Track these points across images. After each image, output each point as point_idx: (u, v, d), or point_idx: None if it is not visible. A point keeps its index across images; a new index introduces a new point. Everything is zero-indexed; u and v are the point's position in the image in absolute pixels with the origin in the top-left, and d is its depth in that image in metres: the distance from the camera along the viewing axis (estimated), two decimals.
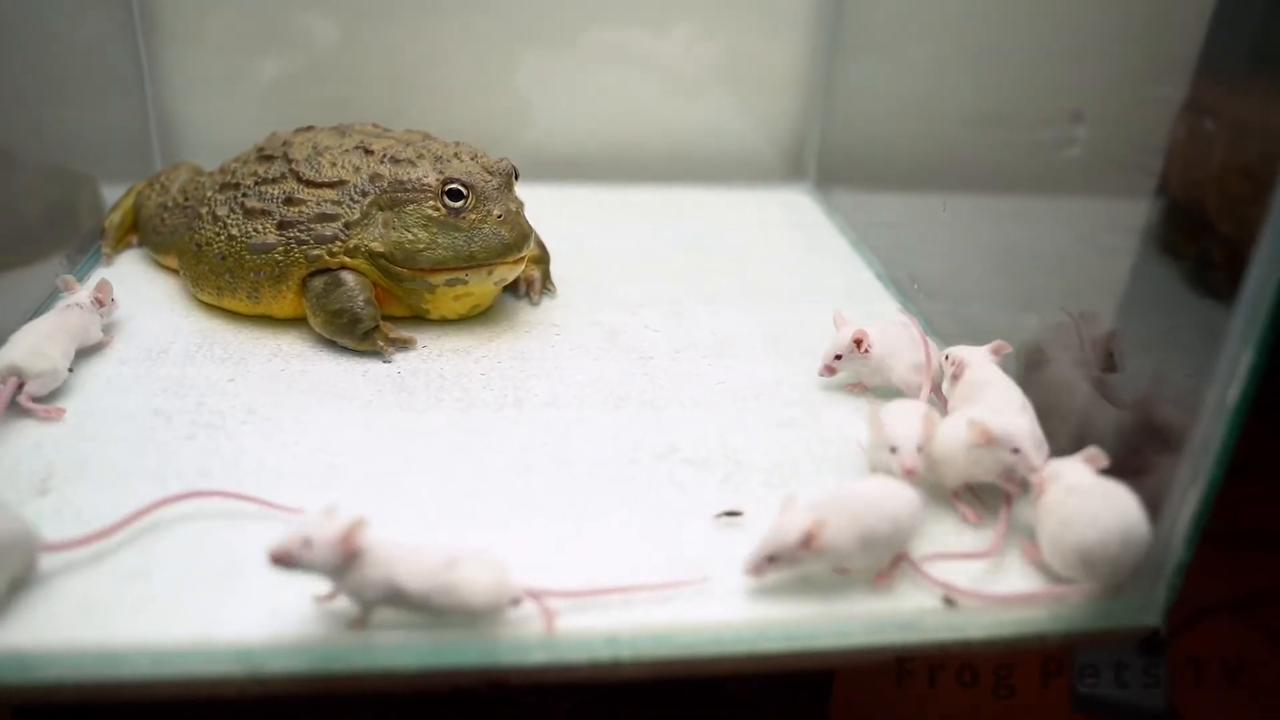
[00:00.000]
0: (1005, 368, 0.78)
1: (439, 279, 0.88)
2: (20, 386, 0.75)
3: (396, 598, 0.56)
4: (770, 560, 0.60)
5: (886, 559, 0.63)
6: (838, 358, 0.83)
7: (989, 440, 0.66)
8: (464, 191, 0.86)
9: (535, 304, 0.99)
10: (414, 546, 0.57)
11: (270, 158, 0.95)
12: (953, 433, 0.69)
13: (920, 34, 1.11)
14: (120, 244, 1.06)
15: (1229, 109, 0.69)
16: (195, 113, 1.26)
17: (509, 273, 0.91)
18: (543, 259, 1.02)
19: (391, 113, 1.16)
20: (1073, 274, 0.83)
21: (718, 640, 0.59)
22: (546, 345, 0.91)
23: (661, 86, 1.33)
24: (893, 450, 0.68)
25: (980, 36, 0.99)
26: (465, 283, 0.89)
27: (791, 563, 0.61)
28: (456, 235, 0.87)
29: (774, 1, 1.31)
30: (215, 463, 0.72)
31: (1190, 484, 0.59)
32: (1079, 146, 0.81)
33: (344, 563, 0.55)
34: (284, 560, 0.55)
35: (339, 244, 0.88)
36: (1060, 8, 0.86)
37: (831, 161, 1.34)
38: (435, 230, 0.87)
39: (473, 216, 0.87)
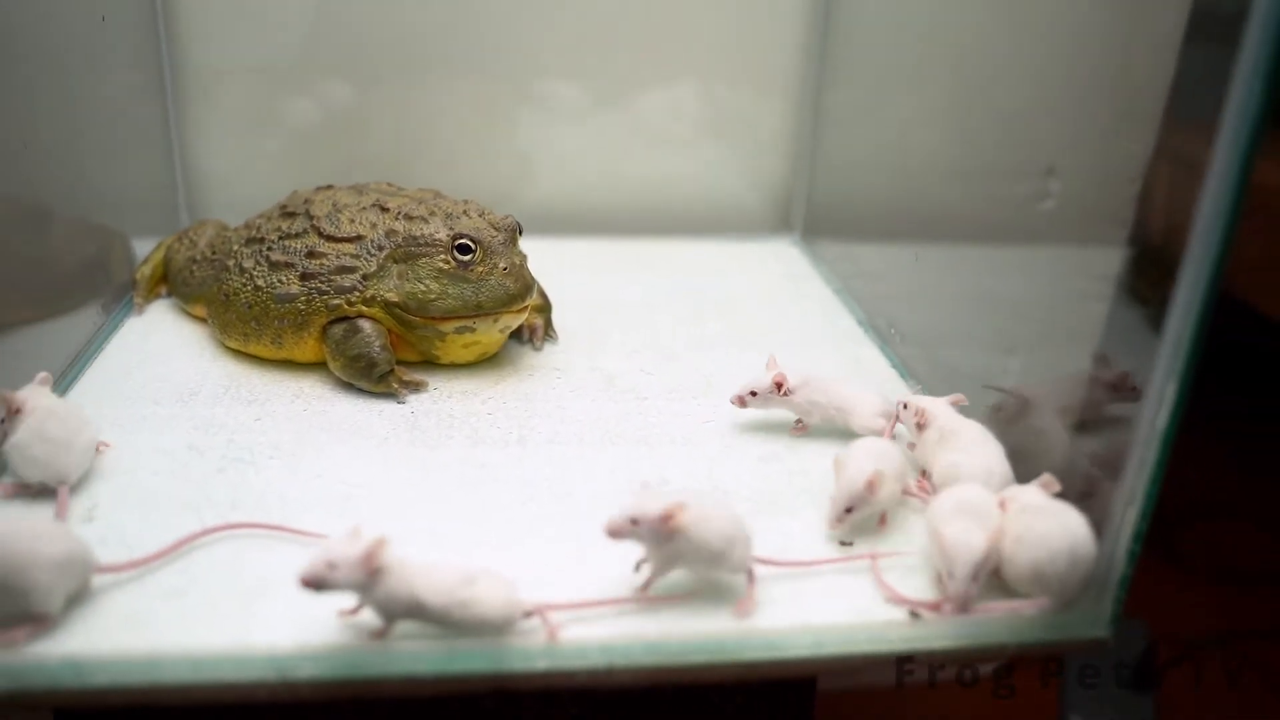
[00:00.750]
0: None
1: (449, 327, 0.94)
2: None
3: (418, 611, 0.62)
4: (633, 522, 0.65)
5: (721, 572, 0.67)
6: (752, 394, 0.87)
7: (938, 546, 0.69)
8: (472, 246, 0.92)
9: (538, 349, 1.04)
10: (434, 564, 0.63)
11: (293, 214, 1.01)
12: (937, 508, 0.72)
13: (900, 94, 1.16)
14: (151, 295, 1.12)
15: (1192, 159, 0.74)
16: (219, 171, 1.33)
17: (513, 321, 0.96)
18: (545, 308, 1.07)
19: (403, 171, 1.23)
20: (1048, 320, 0.87)
21: (704, 649, 0.64)
22: (549, 387, 0.97)
23: (657, 145, 1.39)
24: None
25: (956, 97, 1.03)
26: (473, 330, 0.95)
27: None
28: (465, 286, 0.93)
29: (762, 65, 1.37)
30: (244, 494, 0.78)
31: (1129, 504, 0.64)
32: (1053, 199, 0.84)
33: (369, 579, 0.61)
34: (313, 584, 0.60)
35: (356, 294, 0.94)
36: (1032, 68, 0.90)
37: (817, 214, 1.39)
38: (446, 282, 0.93)
39: (480, 269, 0.93)
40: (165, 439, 0.85)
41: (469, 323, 0.94)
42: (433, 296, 0.93)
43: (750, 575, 0.67)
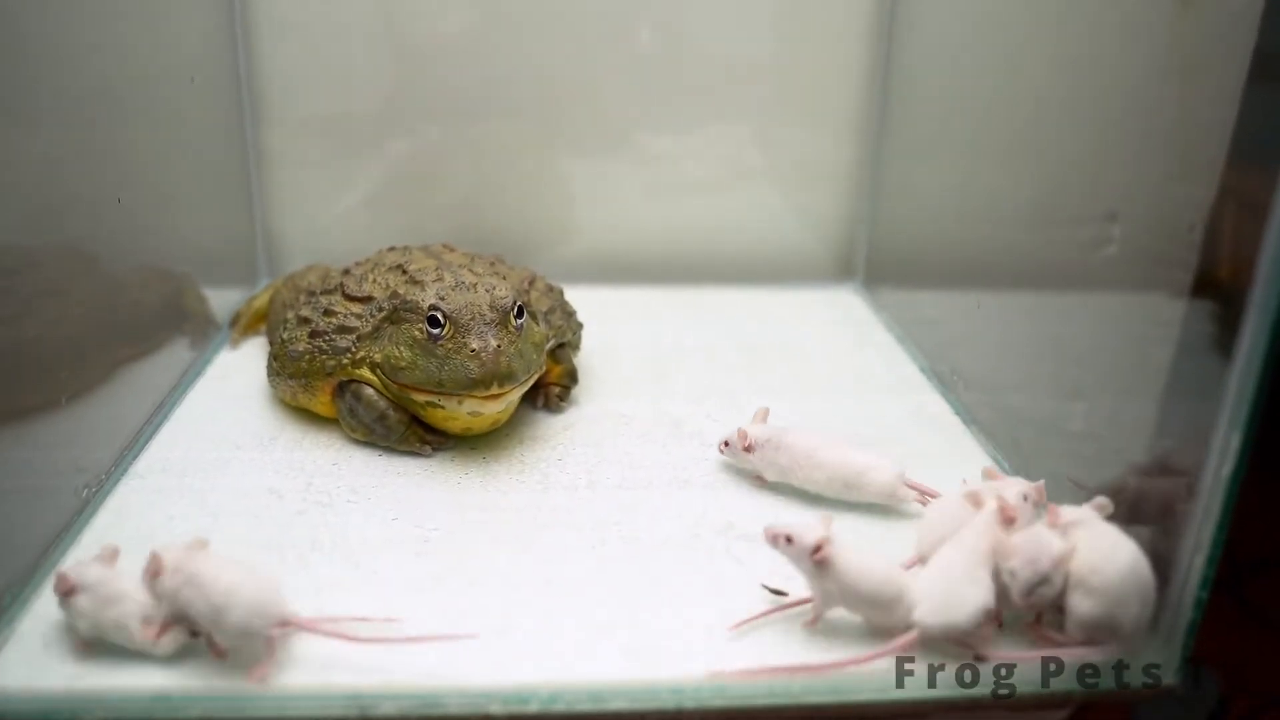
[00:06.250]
0: None
1: (420, 397, 0.90)
2: None
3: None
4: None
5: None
6: (726, 444, 0.90)
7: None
8: (441, 320, 0.88)
9: (553, 412, 1.03)
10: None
11: (347, 271, 1.02)
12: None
13: (961, 141, 1.16)
14: (247, 331, 1.17)
15: (1256, 202, 0.72)
16: (296, 223, 1.37)
17: (484, 406, 0.89)
18: (568, 374, 1.05)
19: (474, 221, 1.28)
20: (1112, 366, 0.87)
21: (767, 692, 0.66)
22: (617, 433, 0.99)
23: (719, 193, 1.41)
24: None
25: (1018, 143, 1.03)
26: (443, 407, 0.90)
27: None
28: (431, 360, 0.88)
29: (823, 111, 1.39)
30: (324, 535, 0.81)
31: (1195, 551, 0.65)
32: (1115, 245, 0.84)
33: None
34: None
35: (348, 356, 0.94)
36: (1093, 112, 0.90)
37: (879, 261, 1.40)
38: (417, 352, 0.89)
39: (448, 345, 0.87)
40: (247, 481, 0.88)
41: (435, 398, 0.90)
42: (403, 364, 0.90)
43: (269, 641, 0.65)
